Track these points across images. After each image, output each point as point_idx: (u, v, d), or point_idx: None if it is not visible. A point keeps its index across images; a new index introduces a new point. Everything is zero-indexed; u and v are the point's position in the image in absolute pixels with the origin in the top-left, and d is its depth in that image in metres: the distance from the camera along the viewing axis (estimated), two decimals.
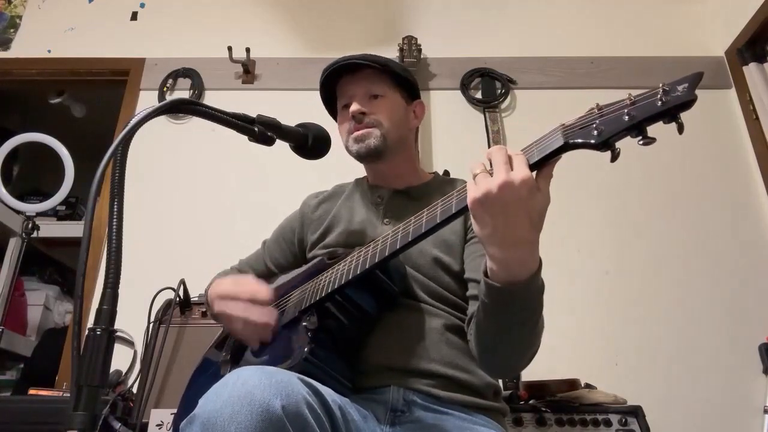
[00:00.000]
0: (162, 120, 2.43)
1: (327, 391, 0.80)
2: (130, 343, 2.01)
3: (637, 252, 2.21)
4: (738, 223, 2.25)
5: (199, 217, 2.31)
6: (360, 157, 1.20)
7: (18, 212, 2.40)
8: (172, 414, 1.42)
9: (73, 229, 3.01)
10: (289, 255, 1.30)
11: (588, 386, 1.63)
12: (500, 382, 1.17)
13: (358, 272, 0.93)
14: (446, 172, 2.14)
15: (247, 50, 2.53)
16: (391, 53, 2.46)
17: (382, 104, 1.19)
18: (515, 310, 0.80)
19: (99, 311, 0.63)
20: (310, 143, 1.02)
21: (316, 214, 1.28)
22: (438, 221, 0.81)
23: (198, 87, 2.55)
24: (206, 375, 1.15)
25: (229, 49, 2.49)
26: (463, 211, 0.78)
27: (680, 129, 0.64)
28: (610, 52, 2.57)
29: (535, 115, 2.44)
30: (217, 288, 1.13)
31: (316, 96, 1.29)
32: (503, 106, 2.50)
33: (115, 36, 2.72)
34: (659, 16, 2.67)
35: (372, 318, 1.00)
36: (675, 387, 1.99)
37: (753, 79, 2.33)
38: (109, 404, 1.47)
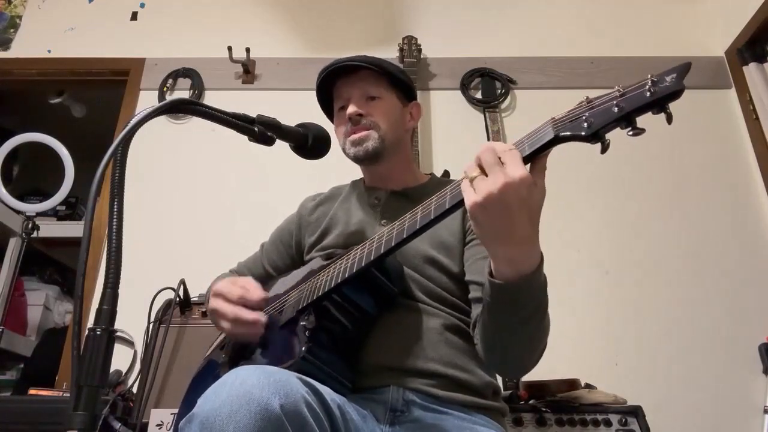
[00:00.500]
0: (162, 120, 2.43)
1: (326, 391, 0.80)
2: (130, 343, 2.01)
3: (637, 252, 2.21)
4: (738, 223, 2.25)
5: (199, 217, 2.31)
6: (358, 160, 1.20)
7: (18, 212, 2.40)
8: (172, 414, 1.42)
9: (73, 229, 3.01)
10: (286, 258, 1.30)
11: (588, 386, 1.63)
12: (500, 381, 1.17)
13: (354, 270, 0.93)
14: (446, 173, 2.14)
15: (247, 50, 2.53)
16: (391, 53, 2.47)
17: (379, 106, 1.19)
18: (523, 306, 0.80)
19: (99, 311, 0.63)
20: (310, 143, 1.02)
21: (314, 217, 1.28)
22: (432, 217, 0.81)
23: (198, 87, 2.55)
24: (208, 376, 1.15)
25: (229, 49, 2.49)
26: (458, 206, 0.78)
27: (669, 119, 0.64)
28: (610, 52, 2.57)
29: (535, 115, 2.38)
30: (214, 287, 1.13)
31: (315, 96, 1.29)
32: (503, 106, 2.50)
33: (115, 36, 2.72)
34: (659, 16, 2.67)
35: (371, 318, 1.00)
36: (675, 387, 1.99)
37: (753, 79, 2.33)
38: (109, 404, 1.47)
